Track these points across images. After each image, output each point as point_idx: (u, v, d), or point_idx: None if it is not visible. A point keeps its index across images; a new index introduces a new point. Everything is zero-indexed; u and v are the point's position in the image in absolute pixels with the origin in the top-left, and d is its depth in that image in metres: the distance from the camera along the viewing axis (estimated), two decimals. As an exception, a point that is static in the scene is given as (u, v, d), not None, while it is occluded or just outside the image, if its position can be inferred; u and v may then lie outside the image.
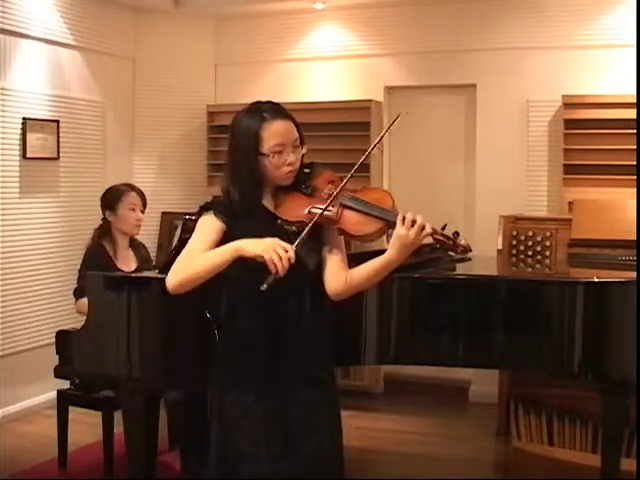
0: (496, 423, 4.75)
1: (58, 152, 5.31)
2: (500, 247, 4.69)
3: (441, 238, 2.22)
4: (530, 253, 4.68)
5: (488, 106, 5.57)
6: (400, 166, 5.94)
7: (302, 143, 2.32)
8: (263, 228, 2.25)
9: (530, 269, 4.39)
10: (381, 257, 2.23)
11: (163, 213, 5.76)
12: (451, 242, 2.23)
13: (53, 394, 4.31)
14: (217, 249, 2.21)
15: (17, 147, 5.03)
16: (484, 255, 4.38)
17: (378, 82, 5.88)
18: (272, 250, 2.07)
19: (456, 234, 2.26)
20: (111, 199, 3.98)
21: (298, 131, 2.31)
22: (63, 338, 3.71)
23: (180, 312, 3.23)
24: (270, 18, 6.07)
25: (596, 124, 5.12)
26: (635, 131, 4.80)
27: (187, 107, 6.17)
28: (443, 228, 2.26)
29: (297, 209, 2.29)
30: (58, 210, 5.37)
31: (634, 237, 4.05)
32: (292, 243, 2.17)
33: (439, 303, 3.29)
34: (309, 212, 2.27)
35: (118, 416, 3.55)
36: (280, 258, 2.06)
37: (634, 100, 4.76)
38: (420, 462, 4.38)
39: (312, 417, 2.29)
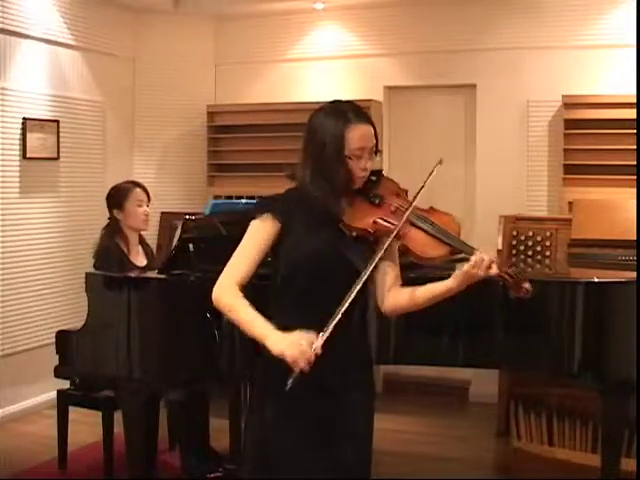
0: (496, 423, 4.75)
1: (58, 152, 5.31)
2: (500, 247, 4.69)
3: (506, 277, 2.19)
4: (530, 253, 4.67)
5: (488, 106, 5.57)
6: (400, 166, 5.94)
7: (377, 151, 2.30)
8: (324, 232, 2.25)
9: (530, 269, 4.38)
10: (443, 284, 2.24)
11: (163, 213, 5.76)
12: (514, 281, 2.19)
13: (53, 394, 4.31)
14: (252, 321, 2.17)
15: (17, 147, 5.03)
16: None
17: (378, 82, 5.88)
18: (296, 350, 2.03)
19: (520, 274, 2.23)
20: (118, 197, 4.01)
21: (376, 138, 2.29)
22: (63, 338, 3.71)
23: (180, 312, 3.23)
24: (270, 18, 6.07)
25: (596, 124, 5.12)
26: (635, 131, 4.79)
27: (187, 107, 6.17)
28: (510, 266, 2.26)
29: (363, 217, 2.26)
30: (58, 210, 5.37)
31: (634, 237, 4.04)
32: (349, 247, 2.21)
33: (439, 303, 3.29)
34: (375, 222, 2.25)
35: (118, 416, 3.55)
36: (305, 358, 2.02)
37: (634, 100, 4.76)
38: (420, 462, 4.38)
39: (355, 420, 2.29)
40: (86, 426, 4.42)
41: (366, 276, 2.16)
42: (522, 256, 4.67)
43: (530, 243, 4.70)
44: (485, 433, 4.76)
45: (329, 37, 6.02)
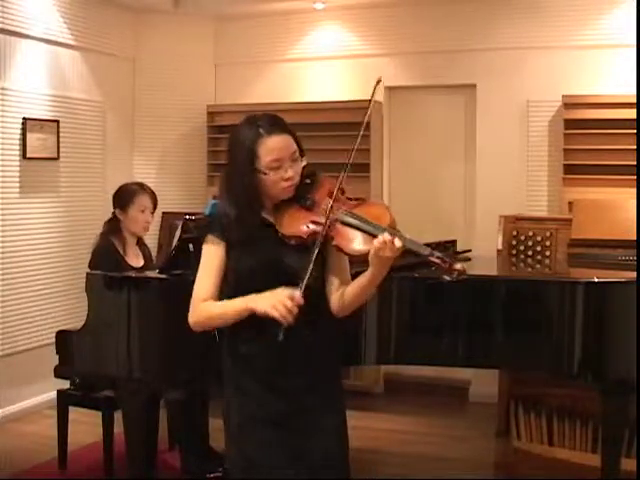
0: (496, 423, 4.75)
1: (58, 152, 5.31)
2: (500, 247, 4.69)
3: (436, 261, 2.11)
4: (530, 253, 4.67)
5: (488, 106, 5.57)
6: (400, 166, 5.94)
7: (302, 155, 2.29)
8: (264, 245, 2.26)
9: (530, 269, 4.39)
10: (365, 275, 2.21)
11: (163, 213, 5.76)
12: (446, 265, 2.11)
13: (53, 394, 4.31)
14: (231, 303, 2.23)
15: (17, 147, 5.03)
16: (484, 255, 4.37)
17: (378, 82, 5.87)
18: (279, 304, 2.09)
19: (455, 254, 2.18)
20: (123, 199, 4.00)
21: (297, 143, 2.28)
22: (63, 338, 3.71)
23: (180, 312, 3.23)
24: (270, 18, 6.07)
25: (596, 124, 5.12)
26: (635, 131, 4.80)
27: (187, 107, 6.17)
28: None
29: (296, 223, 2.25)
30: (58, 210, 5.37)
31: (634, 237, 4.05)
32: (291, 256, 2.21)
33: (439, 303, 3.29)
34: (307, 227, 2.24)
35: (118, 416, 3.55)
36: (289, 310, 2.08)
37: (634, 100, 4.76)
38: (420, 462, 4.37)
39: (318, 421, 2.29)
40: (86, 426, 4.41)
41: (305, 280, 2.14)
42: (522, 256, 4.67)
43: (530, 243, 4.70)
44: (485, 433, 4.76)
45: (329, 37, 6.02)
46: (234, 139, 2.29)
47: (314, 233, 2.22)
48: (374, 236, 2.14)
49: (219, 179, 2.37)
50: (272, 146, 2.22)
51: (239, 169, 2.25)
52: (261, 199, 2.29)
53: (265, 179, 2.23)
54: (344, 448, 2.38)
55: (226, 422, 2.35)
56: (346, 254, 2.25)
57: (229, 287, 2.29)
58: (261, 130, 2.23)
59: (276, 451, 2.25)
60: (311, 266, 2.16)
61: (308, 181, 2.32)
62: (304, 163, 2.30)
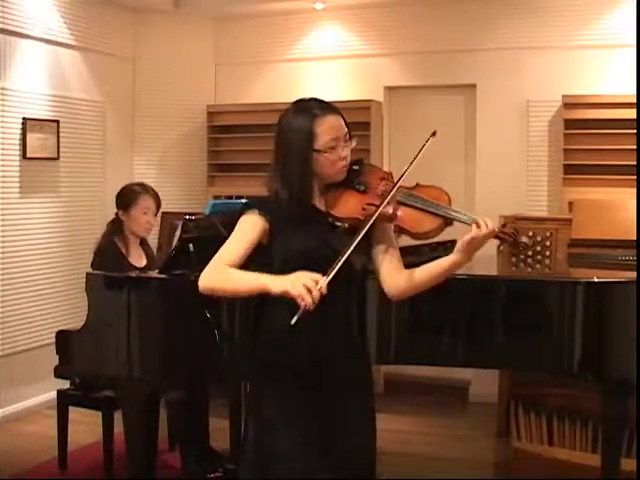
0: (496, 423, 4.75)
1: (58, 152, 5.31)
2: (500, 247, 4.68)
3: (503, 236, 2.25)
4: (530, 253, 4.67)
5: (488, 106, 5.57)
6: (400, 166, 5.93)
7: (351, 138, 2.30)
8: (313, 228, 2.25)
9: (530, 269, 4.38)
10: (448, 258, 2.22)
11: (163, 213, 5.71)
12: (512, 239, 2.26)
13: (53, 394, 4.31)
14: (248, 275, 2.17)
15: (17, 147, 5.03)
16: (484, 255, 4.36)
17: (378, 82, 5.88)
18: (299, 284, 2.01)
19: (516, 232, 2.28)
20: (126, 199, 3.99)
21: (346, 125, 2.30)
22: (63, 338, 3.70)
23: (180, 312, 3.23)
24: (270, 18, 6.07)
25: (596, 124, 5.13)
26: (635, 131, 4.79)
27: (187, 107, 6.17)
28: (503, 226, 2.28)
29: (351, 206, 2.27)
30: (58, 210, 5.37)
31: (634, 237, 4.04)
32: (341, 240, 2.19)
33: (439, 303, 3.28)
34: (364, 209, 2.25)
35: (118, 416, 3.55)
36: (309, 291, 2.00)
37: (634, 100, 4.76)
38: (420, 462, 4.38)
39: (351, 417, 2.28)
40: (86, 426, 4.42)
41: (337, 267, 2.11)
42: (522, 256, 4.66)
43: (530, 243, 4.69)
44: (485, 433, 4.76)
45: (329, 37, 6.02)
46: (286, 124, 2.27)
47: (370, 215, 2.23)
48: (436, 215, 2.21)
49: (270, 167, 2.30)
50: (329, 125, 2.24)
51: (295, 152, 2.23)
52: (316, 180, 2.28)
53: (323, 159, 2.23)
54: (373, 444, 2.37)
55: (254, 416, 2.31)
56: (411, 234, 2.27)
57: (274, 272, 2.23)
58: (315, 111, 2.25)
59: (307, 445, 2.23)
60: (349, 251, 2.13)
61: (355, 167, 2.33)
62: (354, 144, 2.31)
